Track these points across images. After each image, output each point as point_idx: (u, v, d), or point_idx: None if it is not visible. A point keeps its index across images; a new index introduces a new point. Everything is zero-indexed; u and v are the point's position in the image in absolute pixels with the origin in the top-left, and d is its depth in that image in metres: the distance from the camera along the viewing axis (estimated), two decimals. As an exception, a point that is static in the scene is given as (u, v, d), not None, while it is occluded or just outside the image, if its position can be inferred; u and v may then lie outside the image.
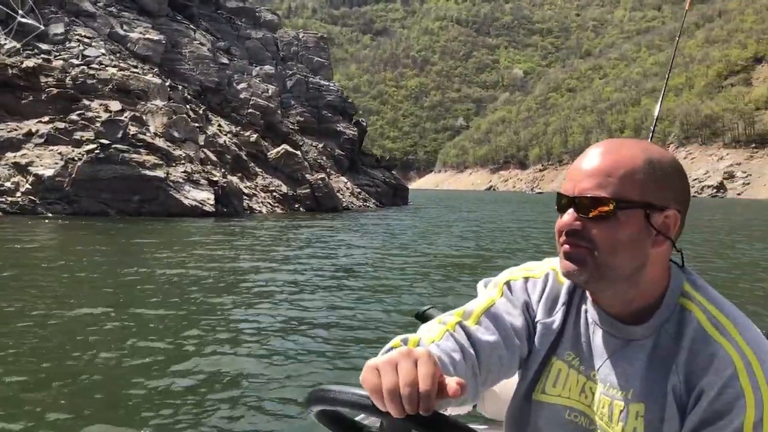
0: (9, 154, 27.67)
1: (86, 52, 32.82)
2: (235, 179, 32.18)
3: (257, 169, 36.23)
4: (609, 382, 1.29)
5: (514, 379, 1.44)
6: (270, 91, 42.16)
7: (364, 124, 54.04)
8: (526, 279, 1.43)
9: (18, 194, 26.72)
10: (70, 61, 31.74)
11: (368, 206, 45.33)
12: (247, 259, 15.48)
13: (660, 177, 1.21)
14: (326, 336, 7.90)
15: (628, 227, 1.20)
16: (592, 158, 1.23)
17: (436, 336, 1.27)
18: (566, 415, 1.35)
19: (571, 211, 1.22)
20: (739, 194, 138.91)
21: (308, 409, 1.15)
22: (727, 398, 1.14)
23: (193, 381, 6.02)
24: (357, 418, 1.23)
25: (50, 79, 30.18)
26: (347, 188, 44.10)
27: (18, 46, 31.06)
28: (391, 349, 1.18)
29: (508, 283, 1.42)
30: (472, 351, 1.28)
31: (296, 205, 36.37)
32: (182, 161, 29.25)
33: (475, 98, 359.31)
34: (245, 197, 32.33)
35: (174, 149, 29.67)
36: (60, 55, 32.00)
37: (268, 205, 34.40)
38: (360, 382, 1.03)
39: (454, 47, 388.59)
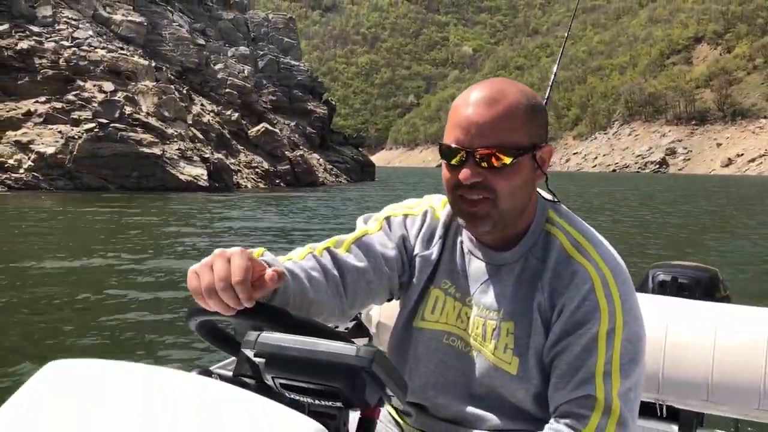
0: (10, 133, 29.01)
1: (75, 34, 34.03)
2: (220, 156, 34.06)
3: (239, 147, 38.09)
4: (482, 305, 1.40)
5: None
6: (246, 72, 43.84)
7: (333, 103, 56.04)
8: (406, 216, 1.52)
9: (21, 171, 28.18)
10: (61, 42, 32.94)
11: (341, 181, 47.61)
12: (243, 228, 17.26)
13: (538, 116, 1.32)
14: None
15: (523, 171, 1.30)
16: (481, 109, 1.27)
17: (296, 256, 1.36)
18: (444, 339, 1.44)
19: (470, 164, 1.26)
20: (680, 170, 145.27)
21: (188, 324, 1.25)
22: (585, 310, 1.28)
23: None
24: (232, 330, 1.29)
25: (44, 61, 31.43)
26: (320, 164, 46.19)
27: (7, 26, 32.13)
28: None
29: (388, 219, 1.51)
30: (336, 273, 1.36)
31: (277, 181, 38.44)
32: (175, 139, 31.03)
33: (426, 76, 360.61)
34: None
35: (166, 128, 31.39)
36: (51, 37, 33.16)
37: (252, 181, 36.40)
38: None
39: (404, 24, 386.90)
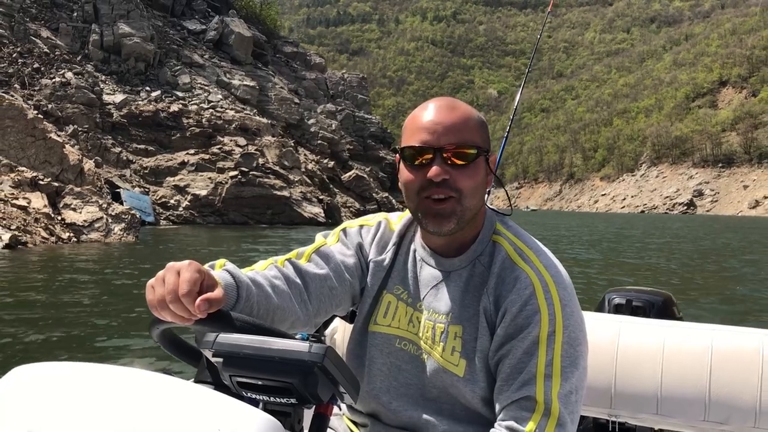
0: (169, 179, 36.19)
1: (209, 98, 41.43)
2: (329, 198, 40.99)
3: (335, 190, 45.01)
4: (432, 309, 1.47)
5: None
6: (333, 125, 51.04)
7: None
8: (361, 226, 1.62)
9: (180, 209, 35.25)
10: (201, 105, 40.32)
11: (411, 219, 54.29)
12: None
13: (485, 127, 1.45)
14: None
15: (480, 171, 1.41)
16: (443, 113, 1.39)
17: (258, 267, 1.42)
18: (396, 343, 1.51)
19: (438, 161, 1.36)
20: (707, 211, 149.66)
21: (151, 335, 1.27)
22: (526, 314, 1.34)
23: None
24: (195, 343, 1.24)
25: (190, 120, 38.77)
26: (392, 205, 52.99)
27: (159, 92, 39.62)
28: None
29: (344, 230, 1.61)
30: (298, 281, 1.42)
31: (367, 218, 45.23)
32: (296, 184, 38.02)
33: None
34: (335, 212, 41.09)
35: (288, 174, 38.42)
36: (192, 100, 40.58)
37: (349, 218, 43.18)
38: None
39: (430, 67, 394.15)
